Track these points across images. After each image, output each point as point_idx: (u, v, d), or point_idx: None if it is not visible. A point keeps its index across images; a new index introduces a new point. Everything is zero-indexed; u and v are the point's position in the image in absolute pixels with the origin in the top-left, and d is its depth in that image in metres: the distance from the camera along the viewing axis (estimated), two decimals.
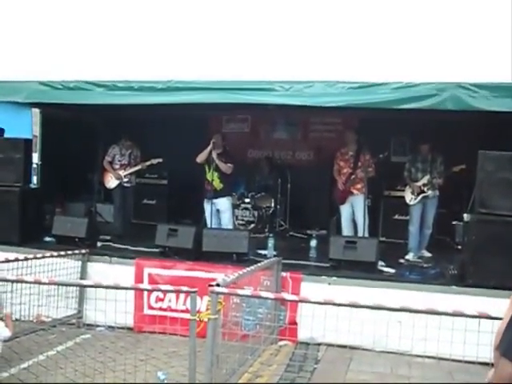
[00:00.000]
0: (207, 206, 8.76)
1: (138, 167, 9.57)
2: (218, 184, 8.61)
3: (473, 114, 6.46)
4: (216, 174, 8.58)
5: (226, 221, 8.79)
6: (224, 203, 8.77)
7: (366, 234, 8.34)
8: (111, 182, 9.53)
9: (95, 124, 10.99)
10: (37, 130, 11.48)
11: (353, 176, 8.50)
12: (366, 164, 8.42)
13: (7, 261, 6.49)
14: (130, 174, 9.56)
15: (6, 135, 9.22)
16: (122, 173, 9.46)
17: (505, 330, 1.96)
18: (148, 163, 9.53)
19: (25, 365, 5.61)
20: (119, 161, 9.54)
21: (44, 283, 5.85)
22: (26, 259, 6.72)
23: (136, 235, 9.30)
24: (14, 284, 6.12)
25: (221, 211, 8.74)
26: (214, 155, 8.52)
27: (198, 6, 7.65)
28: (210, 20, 7.46)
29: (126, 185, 9.57)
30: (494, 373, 1.99)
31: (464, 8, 6.63)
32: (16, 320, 6.43)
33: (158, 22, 7.63)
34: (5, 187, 8.15)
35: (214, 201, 8.62)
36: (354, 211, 8.58)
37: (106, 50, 7.59)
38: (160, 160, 9.46)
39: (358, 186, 8.51)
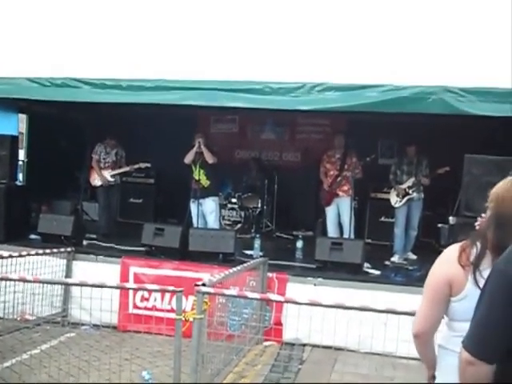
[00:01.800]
0: (193, 206, 8.76)
1: (126, 169, 9.56)
2: (204, 181, 8.63)
3: (459, 117, 6.51)
4: (202, 172, 8.60)
5: (211, 222, 8.78)
6: (210, 205, 8.75)
7: (352, 236, 8.36)
8: (97, 180, 9.49)
9: (82, 122, 10.94)
10: (23, 127, 11.43)
11: (339, 178, 8.53)
12: (352, 166, 8.45)
13: None
14: (117, 174, 9.55)
15: None
16: (108, 173, 9.43)
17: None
18: (136, 167, 9.53)
19: (8, 363, 5.57)
20: (104, 159, 9.51)
21: (29, 281, 5.81)
22: (11, 257, 6.69)
23: (122, 234, 9.27)
24: None
25: (206, 213, 8.72)
26: (203, 147, 8.50)
27: (188, 5, 7.64)
28: (200, 20, 7.45)
29: (111, 183, 9.55)
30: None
31: (452, 12, 6.67)
32: (0, 318, 6.40)
33: (147, 21, 7.62)
34: None
35: (200, 201, 8.62)
36: (339, 213, 8.61)
37: (94, 47, 7.56)
38: (148, 165, 9.50)
39: (345, 187, 8.54)
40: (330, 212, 8.72)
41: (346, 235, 8.37)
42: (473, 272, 2.19)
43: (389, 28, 6.81)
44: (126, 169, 9.55)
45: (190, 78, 7.01)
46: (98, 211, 9.89)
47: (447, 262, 2.30)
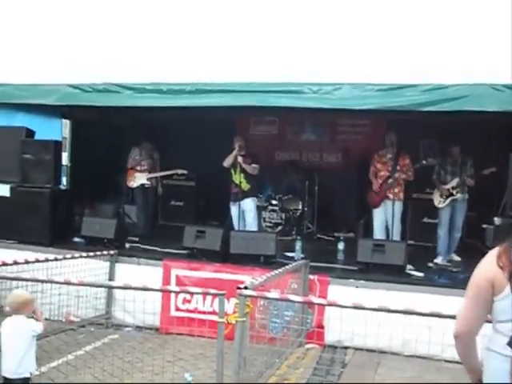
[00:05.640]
0: (234, 208, 8.80)
1: (162, 174, 9.75)
2: (245, 185, 8.65)
3: (503, 115, 6.36)
4: (243, 175, 8.61)
5: (251, 221, 8.80)
6: (249, 203, 8.79)
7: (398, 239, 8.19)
8: (132, 182, 9.73)
9: (123, 126, 11.07)
10: (66, 132, 11.62)
11: (390, 180, 8.24)
12: (405, 168, 8.23)
13: (37, 261, 6.59)
14: (153, 178, 9.72)
15: (36, 137, 9.32)
16: (144, 176, 9.68)
17: None
18: (172, 172, 9.73)
19: (54, 364, 5.68)
20: (140, 162, 9.68)
21: (73, 284, 5.91)
22: (56, 260, 6.82)
23: (164, 236, 9.35)
24: (44, 284, 6.20)
25: (245, 211, 8.76)
26: (240, 159, 8.55)
27: (226, 9, 7.67)
28: (239, 23, 7.47)
29: (146, 186, 9.76)
30: None
31: (498, 9, 6.53)
32: (45, 319, 6.49)
33: (186, 25, 7.67)
34: (36, 188, 8.29)
35: (240, 202, 8.65)
36: (387, 216, 8.29)
37: (134, 52, 7.66)
38: (185, 172, 9.68)
39: (395, 190, 8.21)
40: (378, 214, 8.42)
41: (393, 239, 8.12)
42: (509, 274, 2.21)
43: (430, 27, 6.72)
44: (162, 173, 9.72)
45: (229, 81, 7.04)
46: (136, 212, 10.08)
47: (488, 263, 2.36)
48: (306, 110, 7.28)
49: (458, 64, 6.40)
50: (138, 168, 9.69)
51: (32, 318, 4.53)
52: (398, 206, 8.22)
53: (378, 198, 8.37)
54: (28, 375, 4.38)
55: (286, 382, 5.51)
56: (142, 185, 9.70)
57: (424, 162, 8.14)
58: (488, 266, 2.35)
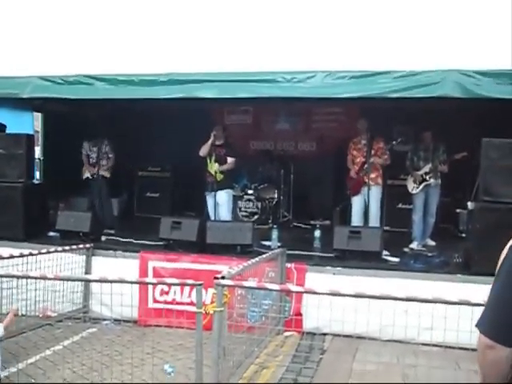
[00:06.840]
0: (209, 199, 8.77)
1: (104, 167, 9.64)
2: (219, 176, 8.62)
3: (475, 101, 6.43)
4: (216, 165, 8.60)
5: (224, 214, 8.75)
6: (222, 196, 8.74)
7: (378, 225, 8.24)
8: (85, 173, 9.69)
9: (96, 118, 10.97)
10: (38, 125, 11.49)
11: (366, 165, 8.23)
12: (379, 152, 8.26)
13: (12, 257, 6.51)
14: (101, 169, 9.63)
15: (7, 131, 9.19)
16: (92, 168, 9.59)
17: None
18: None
19: (32, 360, 5.63)
20: (89, 155, 9.61)
21: (50, 278, 5.85)
22: (31, 255, 6.74)
23: (140, 228, 9.32)
24: (20, 279, 6.13)
25: (219, 204, 8.71)
26: (216, 166, 8.57)
27: None
28: (210, 11, 7.43)
29: (94, 178, 9.64)
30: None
31: None
32: (22, 315, 6.45)
33: (157, 15, 7.61)
34: (8, 183, 8.17)
35: (215, 193, 8.64)
36: (366, 202, 8.26)
37: (106, 43, 7.57)
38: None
39: (373, 175, 8.21)
40: (357, 202, 8.41)
41: (372, 225, 8.14)
42: None
43: (402, 13, 6.75)
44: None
45: (202, 71, 7.00)
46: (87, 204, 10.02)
47: None
48: (280, 98, 7.28)
49: (430, 50, 6.44)
50: (88, 161, 9.61)
51: None
52: (375, 190, 8.24)
53: (358, 185, 8.37)
54: None
55: (265, 370, 5.54)
56: (89, 178, 9.62)
57: (394, 142, 8.15)
58: None
